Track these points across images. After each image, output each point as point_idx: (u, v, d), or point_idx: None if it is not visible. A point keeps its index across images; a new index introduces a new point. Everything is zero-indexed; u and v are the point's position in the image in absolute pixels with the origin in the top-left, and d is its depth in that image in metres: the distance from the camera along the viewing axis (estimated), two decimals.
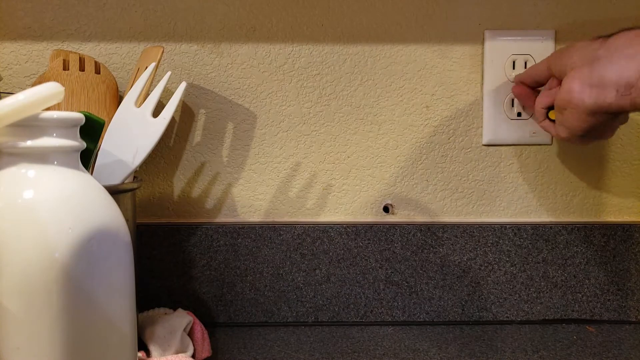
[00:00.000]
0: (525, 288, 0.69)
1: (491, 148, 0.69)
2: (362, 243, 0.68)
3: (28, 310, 0.35)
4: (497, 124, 0.69)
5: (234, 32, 0.67)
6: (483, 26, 0.68)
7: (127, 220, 0.40)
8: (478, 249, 0.69)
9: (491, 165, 0.70)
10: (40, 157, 0.37)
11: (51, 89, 0.37)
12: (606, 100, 0.52)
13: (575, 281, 0.69)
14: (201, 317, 0.62)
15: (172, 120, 0.67)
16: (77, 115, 0.39)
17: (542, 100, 0.61)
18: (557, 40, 0.68)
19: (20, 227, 0.35)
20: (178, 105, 0.61)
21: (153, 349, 0.56)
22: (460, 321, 0.70)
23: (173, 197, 0.69)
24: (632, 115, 0.69)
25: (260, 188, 0.69)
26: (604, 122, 0.55)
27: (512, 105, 0.68)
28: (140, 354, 0.54)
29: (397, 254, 0.69)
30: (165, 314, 0.62)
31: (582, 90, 0.53)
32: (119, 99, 0.63)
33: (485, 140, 0.69)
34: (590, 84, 0.53)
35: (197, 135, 0.68)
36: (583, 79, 0.53)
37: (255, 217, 0.70)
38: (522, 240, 0.69)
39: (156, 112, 0.55)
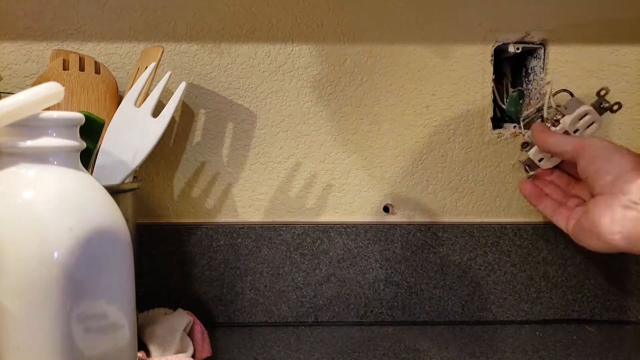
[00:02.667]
0: (525, 288, 0.69)
1: (491, 148, 0.69)
2: (362, 243, 0.68)
3: (27, 309, 0.35)
4: None
5: (234, 32, 0.67)
6: (483, 26, 0.68)
7: (127, 220, 0.40)
8: (478, 249, 0.69)
9: (491, 165, 0.70)
10: (40, 157, 0.37)
11: (51, 89, 0.37)
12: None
13: (575, 281, 0.69)
14: (201, 317, 0.62)
15: (172, 120, 0.67)
16: (77, 115, 0.39)
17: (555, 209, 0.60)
18: (554, 42, 0.68)
19: (19, 227, 0.35)
20: (178, 105, 0.61)
21: (153, 349, 0.56)
22: (460, 321, 0.70)
23: (173, 197, 0.69)
24: (632, 114, 0.70)
25: (260, 188, 0.69)
26: None
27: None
28: (140, 354, 0.54)
29: (397, 254, 0.69)
30: (165, 314, 0.62)
31: (611, 228, 0.47)
32: (118, 98, 0.63)
33: None
34: (622, 224, 0.47)
35: (197, 135, 0.68)
36: (614, 214, 0.47)
37: (255, 217, 0.69)
38: (522, 240, 0.69)
39: (156, 112, 0.55)
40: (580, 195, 0.60)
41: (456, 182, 0.70)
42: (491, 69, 0.69)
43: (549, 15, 0.68)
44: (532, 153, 0.64)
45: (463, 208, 0.70)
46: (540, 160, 0.63)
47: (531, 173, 0.65)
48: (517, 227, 0.69)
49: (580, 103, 0.61)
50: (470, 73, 0.69)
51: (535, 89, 0.69)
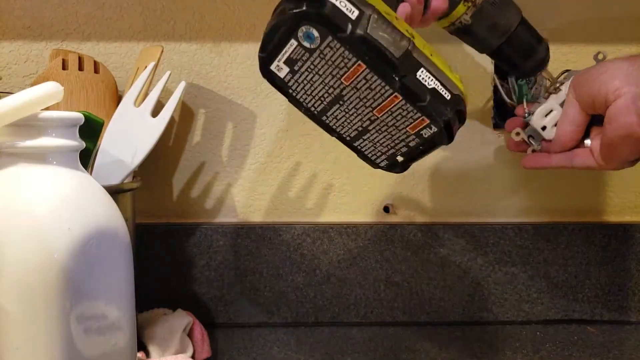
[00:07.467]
0: (526, 288, 0.69)
1: (491, 147, 0.69)
2: (362, 243, 0.68)
3: (27, 310, 0.34)
4: None
5: (233, 31, 0.67)
6: None
7: (126, 220, 0.40)
8: (479, 249, 0.69)
9: (491, 165, 0.70)
10: (39, 157, 0.37)
11: (50, 89, 0.37)
12: None
13: (576, 281, 0.69)
14: (201, 318, 0.62)
15: (172, 119, 0.67)
16: (76, 115, 0.38)
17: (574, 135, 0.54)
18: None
19: (19, 227, 0.35)
20: (177, 105, 0.60)
21: (152, 349, 0.56)
22: (461, 322, 0.69)
23: (172, 197, 0.69)
24: None
25: (260, 188, 0.69)
26: None
27: None
28: (140, 355, 0.54)
29: (397, 254, 0.69)
30: (165, 314, 0.62)
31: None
32: (118, 98, 0.63)
33: None
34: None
35: (196, 135, 0.68)
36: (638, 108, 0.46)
37: (255, 218, 0.69)
38: (522, 240, 0.69)
39: (155, 112, 0.55)
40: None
41: (456, 182, 0.70)
42: (492, 68, 0.68)
43: (548, 15, 0.68)
44: (535, 120, 0.57)
45: (463, 208, 0.70)
46: (544, 128, 0.57)
47: (536, 147, 0.58)
48: (517, 227, 0.69)
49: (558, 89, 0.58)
50: (471, 73, 0.69)
51: (536, 88, 0.69)
